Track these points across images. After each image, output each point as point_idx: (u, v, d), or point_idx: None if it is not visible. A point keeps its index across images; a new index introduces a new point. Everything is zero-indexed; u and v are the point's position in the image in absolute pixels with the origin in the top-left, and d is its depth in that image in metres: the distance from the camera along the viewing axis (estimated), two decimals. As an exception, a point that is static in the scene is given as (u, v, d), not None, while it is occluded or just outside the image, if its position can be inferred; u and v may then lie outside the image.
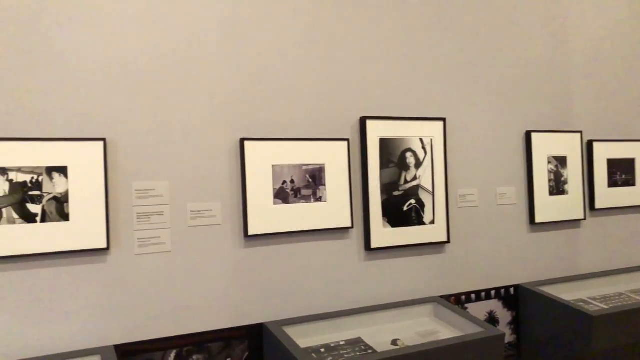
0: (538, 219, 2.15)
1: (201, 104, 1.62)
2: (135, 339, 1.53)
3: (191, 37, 1.62)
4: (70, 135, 1.48)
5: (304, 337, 1.64)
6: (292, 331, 1.64)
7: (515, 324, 2.13)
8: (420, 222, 1.91)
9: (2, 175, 1.40)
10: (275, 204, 1.69)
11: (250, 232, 1.65)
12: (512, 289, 2.12)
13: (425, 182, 1.92)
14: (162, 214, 1.57)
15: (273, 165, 1.69)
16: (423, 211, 1.92)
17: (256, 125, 1.69)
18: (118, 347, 1.49)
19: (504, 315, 2.10)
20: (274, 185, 1.69)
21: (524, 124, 2.17)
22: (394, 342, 1.64)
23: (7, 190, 1.41)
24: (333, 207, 1.77)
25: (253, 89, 1.69)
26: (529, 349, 2.08)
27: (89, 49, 1.50)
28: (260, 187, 1.67)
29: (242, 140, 1.66)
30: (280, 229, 1.69)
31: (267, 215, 1.67)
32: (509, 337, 2.11)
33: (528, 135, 2.15)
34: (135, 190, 1.55)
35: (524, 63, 2.17)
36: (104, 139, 1.50)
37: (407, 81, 1.93)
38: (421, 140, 1.93)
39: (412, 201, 1.90)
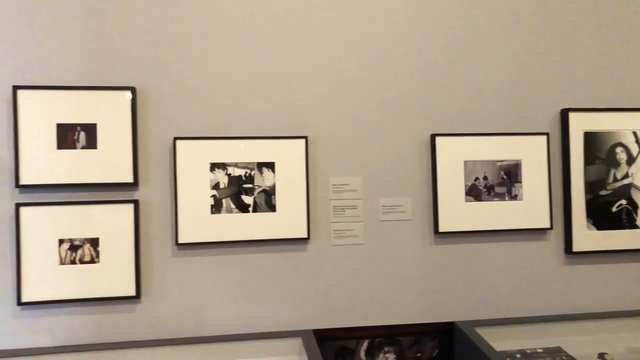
0: None
1: (393, 101, 1.68)
2: (332, 325, 1.66)
3: (384, 35, 1.68)
4: (278, 134, 1.64)
5: (497, 340, 1.62)
6: (484, 333, 1.63)
7: None
8: (633, 226, 1.76)
9: (222, 169, 1.61)
10: (467, 201, 1.69)
11: (441, 229, 1.67)
12: None
13: (639, 181, 1.75)
14: (356, 208, 1.67)
15: (465, 161, 1.69)
16: (636, 213, 1.76)
17: (447, 120, 1.70)
18: (316, 332, 1.63)
19: None
20: (465, 181, 1.69)
21: None
22: (601, 356, 1.54)
23: (226, 183, 1.61)
24: (530, 206, 1.71)
25: (445, 83, 1.70)
26: None
27: (296, 57, 1.64)
28: (452, 184, 1.68)
29: (433, 136, 1.68)
30: (471, 227, 1.68)
31: (458, 212, 1.68)
32: None
33: None
34: (332, 184, 1.66)
35: None
36: (305, 137, 1.63)
37: (616, 69, 1.77)
38: (634, 133, 1.76)
39: (623, 202, 1.75)
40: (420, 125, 1.68)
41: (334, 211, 1.65)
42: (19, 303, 1.49)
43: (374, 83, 1.66)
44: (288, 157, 1.62)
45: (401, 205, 1.67)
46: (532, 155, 1.70)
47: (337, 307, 1.64)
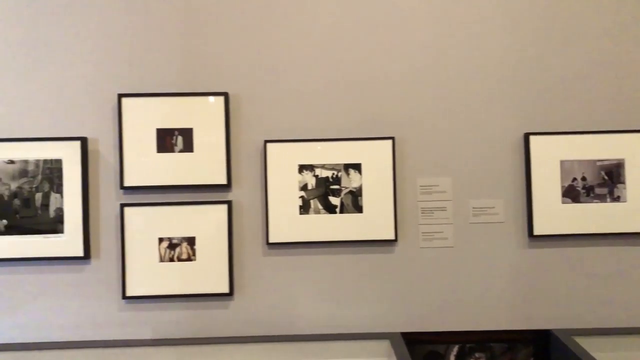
0: None
1: (484, 100, 1.64)
2: (420, 329, 1.65)
3: (473, 32, 1.65)
4: (364, 135, 1.65)
5: (600, 352, 1.55)
6: (584, 342, 1.56)
7: None
8: None
9: (310, 171, 1.65)
10: (563, 202, 1.62)
11: (536, 232, 1.62)
12: None
13: None
14: (445, 210, 1.65)
15: (561, 161, 1.63)
16: None
17: (542, 119, 1.64)
18: (404, 335, 1.63)
19: None
20: (562, 182, 1.62)
21: None
22: None
23: (314, 184, 1.65)
24: (634, 208, 1.61)
25: (539, 79, 1.64)
26: None
27: (382, 57, 1.66)
28: (547, 185, 1.62)
29: (527, 135, 1.63)
30: (569, 230, 1.62)
31: (554, 214, 1.62)
32: None
33: None
34: (420, 186, 1.66)
35: None
36: (392, 138, 1.64)
37: None
38: None
39: None
40: (513, 124, 1.64)
41: (422, 213, 1.64)
42: (124, 297, 1.60)
43: (464, 81, 1.64)
44: (375, 158, 1.64)
45: (493, 207, 1.64)
46: (638, 154, 1.61)
47: (426, 311, 1.64)
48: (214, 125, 1.62)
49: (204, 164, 1.62)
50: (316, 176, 1.63)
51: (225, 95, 1.61)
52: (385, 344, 1.58)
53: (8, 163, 1.58)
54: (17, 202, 1.58)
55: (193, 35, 1.63)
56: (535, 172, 1.61)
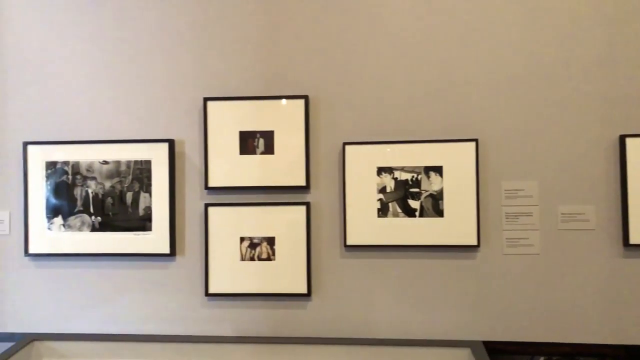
0: None
1: (575, 100, 1.58)
2: (503, 338, 1.61)
3: (563, 32, 1.59)
4: (446, 137, 1.63)
5: None
6: (688, 361, 1.46)
7: None
8: None
9: (389, 173, 1.65)
10: (664, 210, 1.53)
11: (632, 240, 1.54)
12: None
13: None
14: (531, 215, 1.60)
15: (662, 165, 1.53)
16: None
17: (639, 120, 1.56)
18: (486, 344, 1.60)
19: None
20: (662, 188, 1.53)
21: None
22: None
23: (392, 187, 1.65)
24: None
25: (635, 79, 1.55)
26: None
27: (464, 57, 1.64)
28: (645, 190, 1.53)
29: (622, 137, 1.55)
30: (671, 239, 1.52)
31: (653, 222, 1.53)
32: None
33: None
34: (505, 190, 1.61)
35: None
36: (476, 140, 1.61)
37: None
38: None
39: None
40: (606, 126, 1.57)
41: (507, 218, 1.61)
42: (206, 294, 1.67)
43: (553, 80, 1.59)
44: (457, 161, 1.61)
45: (583, 214, 1.57)
46: None
47: (509, 320, 1.60)
48: (294, 128, 1.66)
49: (284, 166, 1.66)
50: (395, 179, 1.63)
51: (306, 98, 1.65)
52: (466, 352, 1.56)
53: (102, 164, 1.69)
54: (109, 200, 1.68)
55: (275, 41, 1.68)
56: (632, 176, 1.54)
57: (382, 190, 1.63)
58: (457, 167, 1.61)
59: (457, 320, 1.61)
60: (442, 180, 1.61)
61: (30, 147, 1.70)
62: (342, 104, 1.66)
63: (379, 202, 1.63)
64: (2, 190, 1.73)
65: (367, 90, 1.64)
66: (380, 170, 1.63)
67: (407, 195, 1.62)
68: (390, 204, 1.63)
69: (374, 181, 1.63)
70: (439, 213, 1.61)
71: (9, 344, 1.69)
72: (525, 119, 1.59)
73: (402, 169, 1.63)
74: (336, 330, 1.64)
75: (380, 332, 1.63)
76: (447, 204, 1.61)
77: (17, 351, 1.56)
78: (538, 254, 1.58)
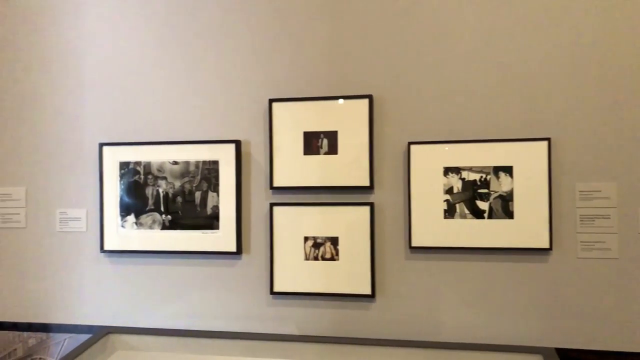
0: None
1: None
2: (577, 346, 1.56)
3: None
4: (517, 136, 1.60)
5: None
6: None
7: None
8: None
9: (456, 174, 1.63)
10: None
11: None
12: None
13: None
14: (608, 218, 1.55)
15: None
16: None
17: None
18: (558, 351, 1.55)
19: None
20: None
21: None
22: None
23: (460, 188, 1.63)
24: None
25: None
26: None
27: (534, 52, 1.60)
28: None
29: None
30: None
31: None
32: None
33: None
34: (579, 191, 1.56)
35: None
36: (548, 139, 1.56)
37: None
38: None
39: None
40: (694, 123, 1.48)
41: (581, 220, 1.56)
42: (271, 292, 1.72)
43: (632, 76, 1.52)
44: (528, 161, 1.58)
45: (667, 217, 1.50)
46: None
47: (584, 327, 1.55)
48: (358, 128, 1.67)
49: (347, 166, 1.68)
50: (463, 179, 1.62)
51: (370, 97, 1.66)
52: (537, 359, 1.52)
53: (173, 164, 1.77)
54: (179, 199, 1.76)
55: (339, 41, 1.70)
56: None
57: (449, 190, 1.62)
58: (528, 167, 1.57)
59: (527, 325, 1.57)
60: (512, 181, 1.58)
61: (105, 148, 1.80)
62: (407, 103, 1.65)
63: (445, 203, 1.62)
64: (79, 189, 1.84)
65: (433, 88, 1.63)
66: (447, 171, 1.62)
67: (475, 196, 1.61)
68: (457, 205, 1.61)
69: (441, 181, 1.62)
70: (509, 215, 1.58)
71: (86, 336, 1.79)
72: (601, 117, 1.54)
73: (470, 169, 1.61)
74: (400, 333, 1.64)
75: (445, 335, 1.62)
76: (517, 206, 1.58)
77: (94, 343, 1.66)
78: (616, 257, 1.53)
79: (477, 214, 1.60)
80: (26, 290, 1.87)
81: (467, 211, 1.61)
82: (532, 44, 1.58)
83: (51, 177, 1.85)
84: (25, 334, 1.84)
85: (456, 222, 1.61)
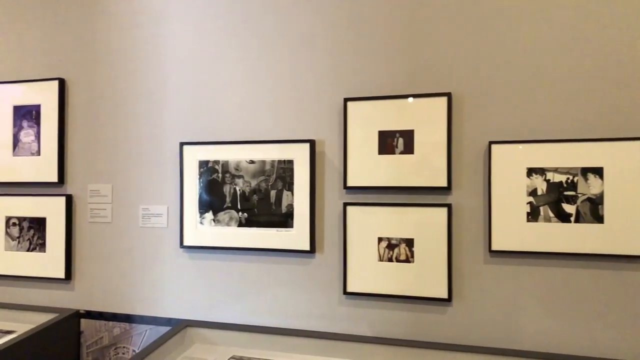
0: None
1: None
2: (677, 363, 1.46)
3: None
4: (608, 135, 1.52)
5: None
6: None
7: None
8: None
9: (540, 175, 1.58)
10: None
11: None
12: None
13: None
14: None
15: None
16: None
17: None
18: (655, 366, 1.46)
19: None
20: None
21: None
22: None
23: (544, 189, 1.58)
24: None
25: None
26: None
27: (622, 46, 1.51)
28: None
29: None
30: None
31: None
32: None
33: None
34: (680, 194, 1.46)
35: None
36: (644, 138, 1.47)
37: None
38: None
39: None
40: None
41: (682, 226, 1.46)
42: (345, 292, 1.74)
43: None
44: (621, 162, 1.51)
45: None
46: None
47: (685, 342, 1.45)
48: (436, 127, 1.66)
49: (424, 166, 1.67)
50: (547, 180, 1.57)
51: (448, 95, 1.65)
52: (629, 374, 1.45)
53: (249, 163, 1.84)
54: (255, 197, 1.82)
55: (415, 37, 1.70)
56: None
57: (533, 192, 1.58)
58: (621, 169, 1.50)
59: (616, 338, 1.51)
60: (602, 183, 1.52)
61: (185, 147, 1.90)
62: (488, 100, 1.63)
63: (528, 205, 1.58)
64: (161, 187, 1.96)
65: (516, 85, 1.60)
66: (531, 171, 1.58)
67: (561, 198, 1.55)
68: (541, 208, 1.57)
69: (523, 183, 1.58)
70: (599, 219, 1.52)
71: (165, 328, 1.90)
72: None
73: (556, 170, 1.56)
74: (477, 339, 1.62)
75: (526, 344, 1.58)
76: (608, 209, 1.51)
77: (173, 335, 1.76)
78: None
79: (563, 217, 1.55)
80: (111, 281, 2.01)
81: (551, 214, 1.56)
82: (625, 35, 1.51)
83: (135, 175, 1.98)
84: (111, 323, 1.98)
85: (540, 225, 1.57)
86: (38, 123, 2.07)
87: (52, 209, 2.05)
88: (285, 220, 1.78)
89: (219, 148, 1.85)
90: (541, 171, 1.56)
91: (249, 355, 1.72)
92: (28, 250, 2.07)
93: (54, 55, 2.09)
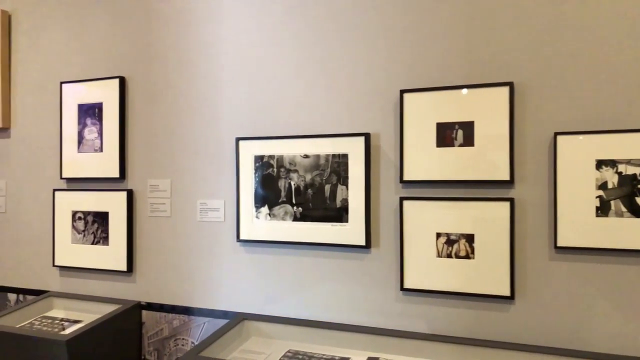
0: None
1: None
2: None
3: None
4: (689, 124, 1.43)
5: None
6: None
7: None
8: None
9: (612, 167, 1.51)
10: None
11: None
12: None
13: None
14: None
15: None
16: None
17: None
18: None
19: None
20: None
21: None
22: None
23: (616, 183, 1.50)
24: None
25: None
26: None
27: None
28: None
29: None
30: None
31: None
32: None
33: None
34: None
35: None
36: None
37: None
38: None
39: None
40: None
41: None
42: (402, 288, 1.73)
43: None
44: (703, 153, 1.41)
45: None
46: None
47: None
48: (497, 118, 1.62)
49: (485, 159, 1.63)
50: (619, 173, 1.50)
51: (510, 85, 1.60)
52: None
53: (304, 157, 1.85)
54: (310, 192, 1.84)
55: (474, 26, 1.66)
56: None
57: (602, 186, 1.51)
58: (703, 160, 1.41)
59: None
60: (682, 176, 1.43)
61: (241, 142, 1.94)
62: (553, 90, 1.57)
63: (597, 199, 1.52)
64: (218, 181, 2.01)
65: (583, 74, 1.53)
66: (600, 164, 1.51)
67: (634, 192, 1.49)
68: (612, 202, 1.50)
69: (592, 176, 1.52)
70: (678, 214, 1.43)
71: (223, 321, 1.96)
72: None
73: (629, 162, 1.49)
74: (542, 339, 1.57)
75: (594, 345, 1.52)
76: (688, 204, 1.42)
77: (231, 328, 1.80)
78: None
79: (637, 212, 1.48)
80: (170, 274, 2.09)
81: (624, 209, 1.49)
82: None
83: (193, 170, 2.05)
84: (170, 315, 2.06)
85: (611, 220, 1.50)
86: (100, 120, 2.18)
87: (114, 204, 2.15)
88: (340, 214, 1.79)
89: (273, 143, 1.88)
90: (612, 163, 1.50)
91: (305, 349, 1.74)
92: (92, 243, 2.18)
93: (114, 55, 2.18)
